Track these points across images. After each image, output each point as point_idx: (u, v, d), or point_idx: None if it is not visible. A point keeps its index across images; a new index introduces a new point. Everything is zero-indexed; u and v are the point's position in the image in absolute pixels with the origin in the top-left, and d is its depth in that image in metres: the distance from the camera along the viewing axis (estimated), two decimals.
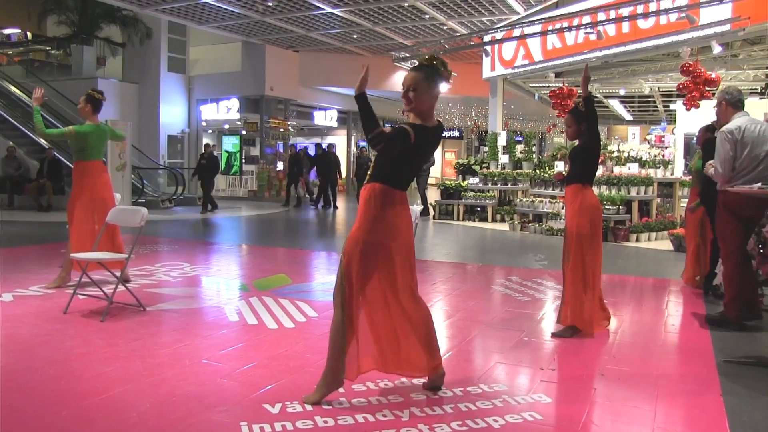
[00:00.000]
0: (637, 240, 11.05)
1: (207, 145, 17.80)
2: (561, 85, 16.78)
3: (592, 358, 4.58)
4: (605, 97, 22.54)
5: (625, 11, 12.33)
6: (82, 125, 6.68)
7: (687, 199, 11.16)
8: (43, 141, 17.99)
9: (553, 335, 5.06)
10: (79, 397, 3.61)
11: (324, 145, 19.58)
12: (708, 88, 11.56)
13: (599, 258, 5.15)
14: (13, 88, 19.69)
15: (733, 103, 5.52)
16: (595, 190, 11.92)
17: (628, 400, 3.72)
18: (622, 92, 20.47)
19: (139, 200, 16.46)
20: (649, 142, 15.57)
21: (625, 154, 12.76)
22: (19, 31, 24.60)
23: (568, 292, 5.07)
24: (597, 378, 4.09)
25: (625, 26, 12.71)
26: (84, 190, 6.60)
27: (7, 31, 24.76)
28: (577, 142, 5.40)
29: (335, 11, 17.49)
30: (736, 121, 5.35)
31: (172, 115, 22.40)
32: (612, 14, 12.58)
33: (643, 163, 12.27)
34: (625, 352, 4.73)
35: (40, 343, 4.77)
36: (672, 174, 12.83)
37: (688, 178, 11.66)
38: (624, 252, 10.03)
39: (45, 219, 13.92)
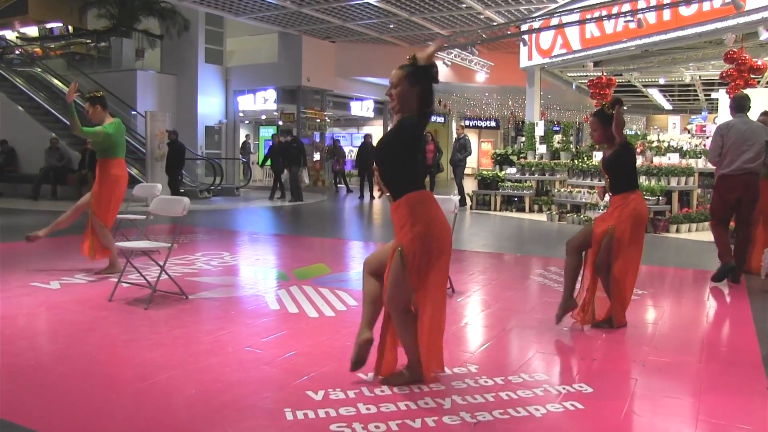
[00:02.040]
0: (677, 231, 10.89)
1: (171, 132, 16.72)
2: (600, 74, 16.59)
3: (632, 348, 4.54)
4: (644, 86, 22.19)
5: None
6: (107, 126, 6.83)
7: None
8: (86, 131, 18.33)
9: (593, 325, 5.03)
10: (126, 382, 3.71)
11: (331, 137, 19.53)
12: (753, 76, 11.31)
13: (632, 265, 4.97)
14: (55, 81, 20.10)
15: (735, 108, 6.80)
16: None
17: (670, 391, 3.69)
18: (662, 81, 20.12)
19: (179, 190, 16.70)
20: (689, 132, 15.28)
21: (665, 144, 12.56)
22: (61, 24, 25.08)
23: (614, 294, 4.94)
24: (638, 369, 4.06)
25: (666, 14, 12.48)
26: (120, 184, 6.90)
27: (50, 25, 25.25)
28: (605, 149, 5.16)
29: (372, 1, 17.48)
30: (731, 120, 6.67)
31: (210, 106, 22.65)
32: (653, 1, 12.37)
33: (683, 153, 12.07)
34: (666, 343, 4.68)
35: (87, 329, 4.90)
36: None
37: None
38: (664, 243, 9.89)
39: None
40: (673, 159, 11.86)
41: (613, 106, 4.93)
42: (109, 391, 3.58)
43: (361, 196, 18.22)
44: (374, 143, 18.83)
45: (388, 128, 3.91)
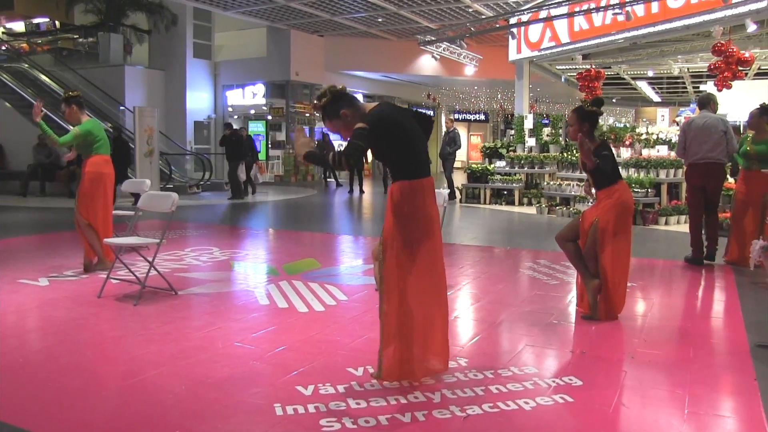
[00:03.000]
0: (666, 223, 10.93)
1: (114, 128, 15.98)
2: (588, 67, 16.61)
3: (622, 341, 4.56)
4: (633, 78, 22.24)
5: None
6: (81, 126, 6.74)
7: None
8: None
9: (584, 317, 5.06)
10: (116, 379, 3.70)
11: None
12: (741, 68, 11.35)
13: (621, 257, 4.99)
14: (42, 77, 19.95)
15: (699, 105, 7.76)
16: (624, 173, 11.84)
17: (659, 383, 3.71)
18: (650, 74, 20.18)
19: (167, 186, 16.63)
20: (678, 124, 15.34)
21: (654, 137, 12.61)
22: (48, 20, 24.85)
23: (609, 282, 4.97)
24: (627, 361, 4.08)
25: (655, 6, 12.50)
26: (108, 181, 6.87)
27: (36, 20, 25.02)
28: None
29: None
30: (692, 117, 7.58)
31: (199, 101, 22.54)
32: None
33: (672, 146, 12.11)
34: (655, 335, 4.70)
35: (76, 326, 4.88)
36: None
37: None
38: (653, 235, 9.93)
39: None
40: (662, 151, 11.90)
41: (594, 104, 5.00)
42: (99, 388, 3.56)
43: (351, 191, 18.20)
44: None
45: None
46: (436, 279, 3.67)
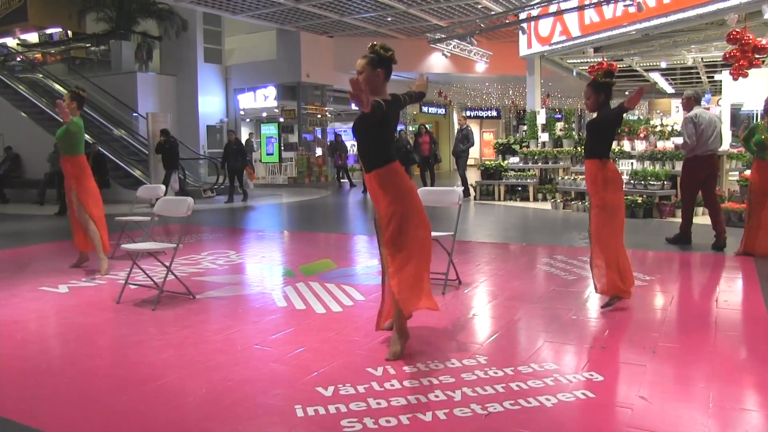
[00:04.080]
0: None
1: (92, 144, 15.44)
2: (600, 60, 16.51)
3: (642, 335, 4.51)
4: (646, 70, 22.06)
5: None
6: (77, 119, 7.05)
7: (737, 173, 10.91)
8: (88, 137, 18.36)
9: (603, 308, 5.07)
10: (137, 383, 3.71)
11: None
12: (757, 56, 11.20)
13: (622, 228, 5.25)
14: (56, 86, 20.13)
15: (696, 100, 8.08)
16: (638, 165, 11.77)
17: (681, 378, 3.67)
18: (663, 65, 20.00)
19: (213, 187, 16.76)
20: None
21: (669, 128, 12.50)
22: (61, 30, 25.09)
23: (608, 262, 5.12)
24: (648, 356, 4.03)
25: None
26: (90, 180, 7.21)
27: (49, 30, 25.26)
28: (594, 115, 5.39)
29: None
30: (695, 111, 7.85)
31: (211, 105, 22.66)
32: None
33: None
34: (675, 329, 4.66)
35: (96, 331, 4.92)
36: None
37: (735, 151, 11.38)
38: (670, 227, 9.82)
39: None
40: (678, 143, 11.79)
41: (605, 75, 5.18)
42: (120, 392, 3.58)
43: (365, 190, 18.20)
44: None
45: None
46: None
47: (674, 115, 15.09)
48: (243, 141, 23.82)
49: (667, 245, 8.17)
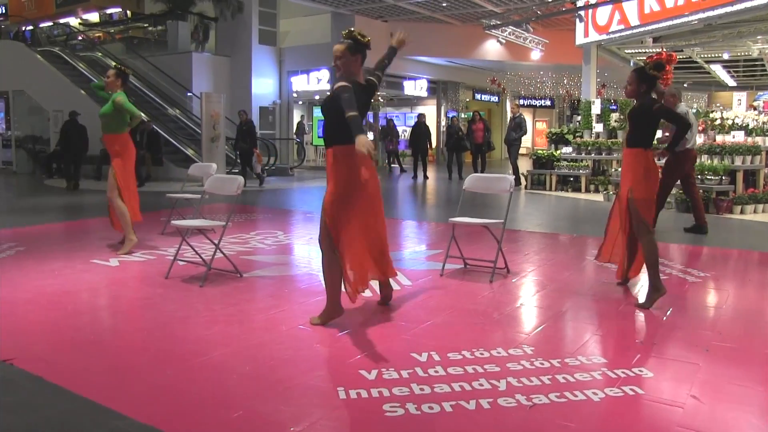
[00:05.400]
0: (742, 212, 10.50)
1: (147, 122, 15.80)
2: (659, 50, 16.04)
3: (694, 332, 4.38)
4: (706, 62, 21.36)
5: None
6: (121, 93, 6.95)
7: None
8: (142, 114, 18.71)
9: (640, 306, 4.91)
10: (182, 358, 3.75)
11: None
12: None
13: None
14: (114, 64, 20.49)
15: (679, 97, 8.45)
16: (696, 159, 11.40)
17: (736, 378, 3.54)
18: (725, 56, 19.35)
19: (233, 170, 16.90)
20: (756, 109, 14.69)
21: (729, 122, 12.10)
22: (120, 10, 25.57)
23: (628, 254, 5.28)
24: (701, 354, 3.90)
25: None
26: (130, 160, 7.11)
27: (110, 10, 25.79)
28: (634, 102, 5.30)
29: None
30: (683, 108, 8.28)
31: (264, 87, 22.79)
32: None
33: (749, 131, 11.61)
34: (730, 327, 4.50)
35: (144, 306, 5.00)
36: None
37: None
38: (727, 224, 9.55)
39: (146, 189, 14.49)
40: (739, 137, 11.42)
41: (655, 67, 5.07)
42: (165, 366, 3.63)
43: (415, 176, 18.15)
44: (427, 123, 18.80)
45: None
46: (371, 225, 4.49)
47: (736, 108, 14.57)
48: (295, 123, 24.05)
49: (726, 243, 7.92)
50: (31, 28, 24.85)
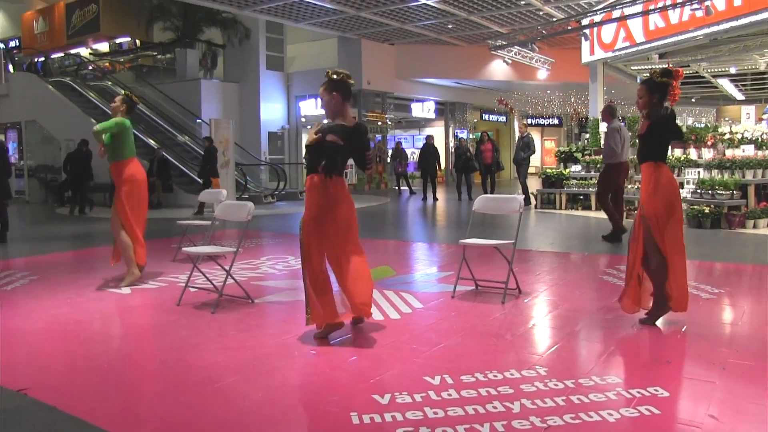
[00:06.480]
0: (755, 226, 10.43)
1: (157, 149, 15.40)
2: (666, 66, 16.07)
3: (710, 350, 4.33)
4: (713, 76, 21.34)
5: None
6: (119, 119, 6.69)
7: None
8: (152, 141, 18.87)
9: (642, 322, 4.88)
10: (195, 385, 3.74)
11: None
12: None
13: (681, 239, 4.89)
14: (123, 92, 20.73)
15: (611, 114, 9.74)
16: (705, 174, 11.39)
17: (755, 397, 3.49)
18: (732, 70, 19.33)
19: (243, 196, 16.99)
20: (766, 122, 14.65)
21: (739, 136, 12.07)
22: (129, 39, 25.92)
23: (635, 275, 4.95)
24: (718, 372, 3.86)
25: None
26: (140, 188, 6.83)
27: (119, 40, 26.15)
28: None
29: (429, 2, 17.43)
30: (617, 123, 9.57)
31: (272, 112, 22.96)
32: None
33: (759, 145, 11.57)
34: (747, 345, 4.45)
35: (156, 332, 5.01)
36: None
37: None
38: (740, 239, 9.49)
39: (156, 216, 14.55)
40: (748, 151, 11.38)
41: (663, 74, 4.97)
42: (178, 393, 3.62)
43: (424, 198, 18.16)
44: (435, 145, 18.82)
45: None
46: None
47: (744, 122, 14.53)
48: (303, 148, 24.13)
49: (740, 258, 7.86)
50: (42, 59, 25.21)
